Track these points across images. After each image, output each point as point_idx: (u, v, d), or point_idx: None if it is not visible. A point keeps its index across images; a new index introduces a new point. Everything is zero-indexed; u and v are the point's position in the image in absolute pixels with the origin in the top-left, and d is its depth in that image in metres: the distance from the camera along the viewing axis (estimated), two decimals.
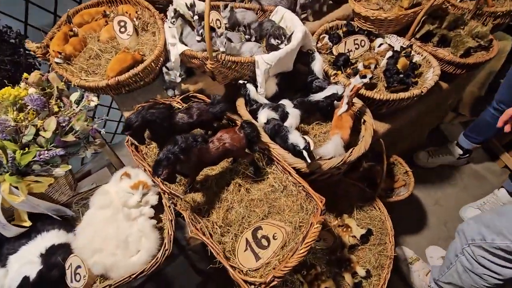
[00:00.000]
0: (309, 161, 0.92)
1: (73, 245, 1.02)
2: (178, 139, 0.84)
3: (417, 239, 1.83)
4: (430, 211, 1.93)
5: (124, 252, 1.00)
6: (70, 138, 0.99)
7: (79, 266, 0.98)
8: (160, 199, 1.13)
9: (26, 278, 0.93)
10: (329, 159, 1.04)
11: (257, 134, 0.95)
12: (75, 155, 1.06)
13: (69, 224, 1.12)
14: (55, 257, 0.98)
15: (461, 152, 2.00)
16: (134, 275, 0.95)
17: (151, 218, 1.09)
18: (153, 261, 0.98)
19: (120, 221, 1.04)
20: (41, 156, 0.89)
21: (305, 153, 0.91)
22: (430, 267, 1.54)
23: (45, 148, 0.92)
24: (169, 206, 1.11)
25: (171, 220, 1.08)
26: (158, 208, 1.13)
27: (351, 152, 1.04)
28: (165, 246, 1.02)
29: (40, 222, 1.06)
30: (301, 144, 0.93)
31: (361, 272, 1.13)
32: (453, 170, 2.10)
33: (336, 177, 1.22)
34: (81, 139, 1.07)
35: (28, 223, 1.01)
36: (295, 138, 0.96)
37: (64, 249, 1.01)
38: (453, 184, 2.05)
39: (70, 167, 1.00)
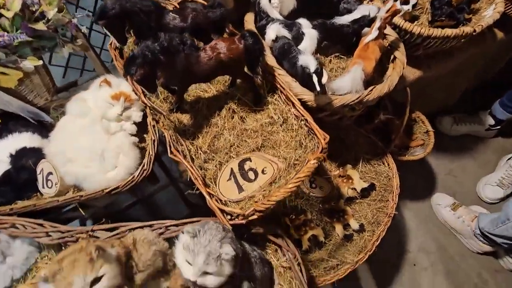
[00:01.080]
0: (318, 88, 0.75)
1: (45, 151, 0.94)
2: (161, 36, 0.67)
3: (419, 205, 1.73)
4: (441, 180, 1.79)
5: (99, 165, 0.91)
6: (41, 26, 0.83)
7: (50, 173, 0.91)
8: (144, 117, 1.01)
9: None
10: (343, 94, 0.86)
11: (260, 48, 0.76)
12: (49, 50, 0.92)
13: (45, 129, 1.03)
14: (26, 160, 0.91)
15: (492, 122, 1.77)
16: (108, 190, 0.87)
17: (133, 135, 0.98)
18: (129, 178, 0.90)
19: (97, 133, 0.93)
20: (0, 38, 0.75)
21: (315, 78, 0.74)
22: (477, 214, 1.52)
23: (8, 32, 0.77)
24: (153, 126, 1.00)
25: (154, 141, 0.97)
26: (143, 127, 1.03)
27: (372, 90, 0.86)
28: (143, 166, 0.92)
29: (12, 122, 0.97)
30: (312, 66, 0.75)
31: (354, 225, 1.04)
32: (477, 141, 1.89)
33: (346, 121, 1.06)
34: (57, 33, 0.91)
35: None
36: (305, 59, 0.78)
37: (36, 154, 0.93)
38: (473, 157, 1.86)
39: (40, 62, 0.86)
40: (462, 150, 1.89)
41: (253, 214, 0.68)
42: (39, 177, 0.92)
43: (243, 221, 0.69)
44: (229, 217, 0.70)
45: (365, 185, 1.10)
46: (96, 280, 0.56)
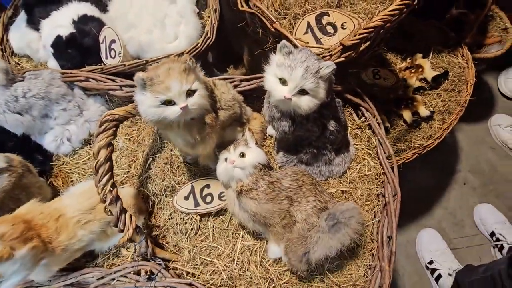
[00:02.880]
0: None
1: (106, 19, 0.90)
2: None
3: (472, 127, 1.62)
4: (501, 101, 1.65)
5: (161, 33, 0.88)
6: None
7: (113, 41, 0.88)
8: None
9: (59, 37, 0.85)
10: None
11: None
12: None
13: (102, 5, 0.99)
14: (88, 26, 0.88)
15: None
16: (174, 54, 0.84)
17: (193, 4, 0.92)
18: (193, 46, 0.86)
19: None
20: None
21: None
22: None
23: None
24: None
25: (215, 10, 0.91)
26: (200, 4, 0.96)
27: None
28: (207, 34, 0.88)
29: None
30: None
31: (423, 112, 0.97)
32: None
33: None
34: None
35: None
36: None
37: (97, 22, 0.90)
38: None
39: None
40: None
41: (339, 55, 0.63)
42: (102, 46, 0.90)
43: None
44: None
45: (437, 73, 1.01)
46: (190, 93, 0.54)
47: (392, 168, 0.67)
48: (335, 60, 0.65)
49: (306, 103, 0.55)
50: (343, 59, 0.64)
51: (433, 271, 1.27)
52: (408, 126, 0.98)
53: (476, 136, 1.62)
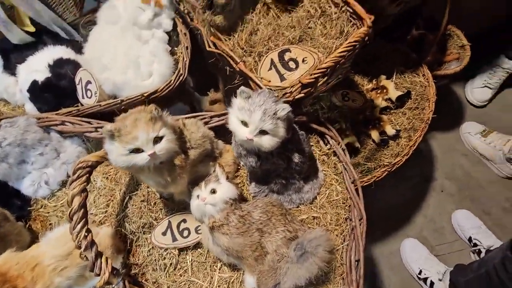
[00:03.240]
0: None
1: (81, 61, 0.94)
2: None
3: (445, 136, 1.70)
4: (470, 109, 1.75)
5: (135, 72, 0.92)
6: None
7: (89, 82, 0.92)
8: (175, 26, 0.99)
9: (35, 82, 0.88)
10: None
11: None
12: None
13: (77, 46, 1.02)
14: (64, 69, 0.92)
15: None
16: (147, 93, 0.88)
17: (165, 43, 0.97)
18: (167, 83, 0.90)
19: (130, 40, 0.92)
20: None
21: None
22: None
23: None
24: (185, 34, 0.98)
25: (187, 47, 0.96)
26: (173, 41, 1.01)
27: None
28: (179, 71, 0.92)
29: (46, 36, 0.97)
30: None
31: (390, 131, 1.03)
32: None
33: (384, 22, 1.01)
34: None
35: (31, 28, 0.91)
36: None
37: (73, 65, 0.94)
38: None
39: None
40: None
41: (299, 87, 0.68)
42: (79, 88, 0.93)
43: (290, 98, 0.69)
44: (276, 92, 0.70)
45: (401, 93, 1.08)
46: (157, 140, 0.57)
47: (357, 192, 0.71)
48: (296, 96, 0.70)
49: (267, 142, 0.59)
50: (303, 94, 0.69)
51: (425, 280, 1.31)
52: (377, 145, 1.04)
53: (449, 144, 1.71)
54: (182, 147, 0.65)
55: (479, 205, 1.56)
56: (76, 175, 0.60)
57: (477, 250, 1.40)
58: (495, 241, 1.38)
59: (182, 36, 0.96)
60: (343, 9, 0.81)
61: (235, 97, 0.61)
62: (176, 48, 1.02)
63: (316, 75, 0.65)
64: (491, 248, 1.33)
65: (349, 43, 0.64)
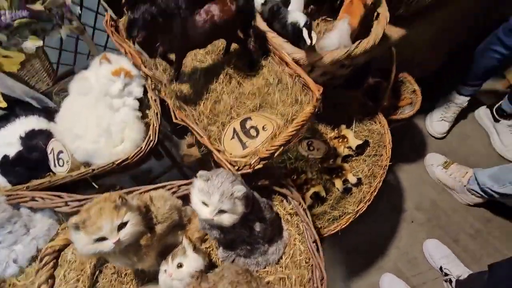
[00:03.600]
0: (308, 41, 0.80)
1: (53, 130, 0.97)
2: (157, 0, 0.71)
3: (412, 167, 1.81)
4: (431, 141, 1.88)
5: (107, 141, 0.96)
6: (38, 7, 0.86)
7: (61, 151, 0.95)
8: (145, 92, 1.06)
9: (6, 157, 0.90)
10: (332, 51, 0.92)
11: (252, 7, 0.81)
12: (48, 33, 0.95)
13: (50, 115, 1.06)
14: (36, 141, 0.95)
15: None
16: (118, 161, 0.92)
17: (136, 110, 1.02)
18: (137, 150, 0.95)
19: (101, 110, 0.97)
20: (1, 17, 0.78)
21: (305, 32, 0.79)
22: (473, 170, 1.60)
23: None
24: (155, 100, 1.04)
25: (157, 113, 1.01)
26: (145, 106, 1.07)
27: (358, 43, 0.91)
28: (150, 137, 0.97)
29: (18, 107, 1.01)
30: (302, 20, 0.80)
31: (352, 179, 1.11)
32: None
33: (337, 81, 1.12)
34: (54, 15, 0.94)
35: (3, 104, 0.94)
36: (294, 16, 0.83)
37: (45, 135, 0.97)
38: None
39: (40, 42, 0.89)
40: None
41: (258, 163, 0.74)
42: (50, 157, 0.96)
43: (250, 170, 0.75)
44: (236, 168, 0.76)
45: (360, 142, 1.17)
46: (122, 226, 0.61)
47: (319, 252, 0.76)
48: (255, 166, 0.76)
49: (227, 220, 0.64)
50: (261, 165, 0.75)
51: None
52: (341, 193, 1.11)
53: (416, 175, 1.82)
54: (148, 224, 0.69)
55: (448, 233, 1.65)
56: (43, 262, 0.62)
57: (448, 280, 1.46)
58: (463, 269, 1.46)
59: (152, 102, 1.02)
60: (296, 79, 0.90)
61: (196, 177, 0.66)
62: (147, 111, 1.08)
63: (271, 151, 0.72)
64: (460, 278, 1.41)
65: (296, 123, 0.72)
